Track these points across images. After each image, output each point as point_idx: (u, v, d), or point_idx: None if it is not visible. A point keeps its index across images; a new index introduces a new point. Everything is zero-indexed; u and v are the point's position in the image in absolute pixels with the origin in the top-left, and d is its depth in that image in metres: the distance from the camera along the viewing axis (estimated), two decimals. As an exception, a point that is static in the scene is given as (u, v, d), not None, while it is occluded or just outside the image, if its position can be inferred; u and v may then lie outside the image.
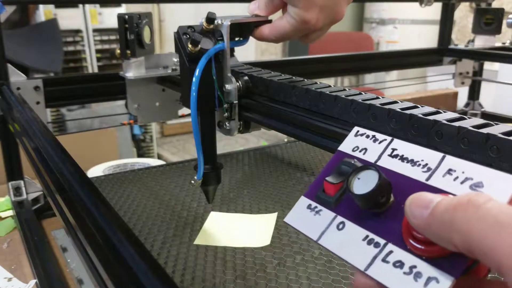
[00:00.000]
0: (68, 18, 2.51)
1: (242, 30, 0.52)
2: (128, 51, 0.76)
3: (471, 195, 0.19)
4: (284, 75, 0.53)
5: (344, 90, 0.45)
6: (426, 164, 0.24)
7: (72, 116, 2.33)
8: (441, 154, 0.24)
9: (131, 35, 0.75)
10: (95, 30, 2.61)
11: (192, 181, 0.55)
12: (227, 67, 0.52)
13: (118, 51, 0.78)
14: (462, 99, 1.53)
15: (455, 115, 0.35)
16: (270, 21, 0.52)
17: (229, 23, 0.50)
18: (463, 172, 0.22)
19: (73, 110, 2.37)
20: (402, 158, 0.25)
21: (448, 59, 1.30)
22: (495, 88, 2.32)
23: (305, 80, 0.50)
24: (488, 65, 1.50)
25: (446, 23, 1.30)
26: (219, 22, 0.50)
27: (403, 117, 0.37)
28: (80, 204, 0.38)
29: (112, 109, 2.00)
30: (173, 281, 0.27)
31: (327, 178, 0.27)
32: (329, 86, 0.48)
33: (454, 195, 0.22)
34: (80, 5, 2.53)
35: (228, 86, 0.52)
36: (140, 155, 2.74)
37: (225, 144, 3.12)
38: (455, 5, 1.29)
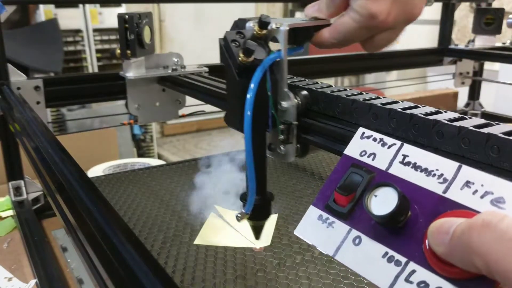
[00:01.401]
0: (68, 18, 2.52)
1: (297, 35, 0.44)
2: (128, 51, 0.76)
3: (484, 215, 0.19)
4: (351, 90, 0.45)
5: (345, 90, 0.45)
6: (442, 175, 0.23)
7: (72, 116, 2.33)
8: (457, 164, 0.23)
9: (131, 35, 0.75)
10: (95, 30, 2.61)
11: (239, 215, 0.47)
12: (284, 80, 0.44)
13: (118, 51, 0.78)
14: (462, 99, 1.53)
15: (456, 115, 0.35)
16: (331, 24, 0.44)
17: (288, 28, 0.42)
18: (482, 185, 0.21)
19: (73, 110, 2.37)
20: (415, 167, 0.24)
21: (448, 59, 1.30)
22: (495, 88, 2.32)
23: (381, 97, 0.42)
24: (488, 65, 1.50)
25: (446, 23, 1.30)
26: (274, 26, 0.43)
27: (404, 117, 0.37)
28: (80, 204, 0.38)
29: (112, 109, 2.00)
30: (173, 281, 0.27)
31: (337, 189, 0.26)
32: (330, 86, 0.48)
33: (474, 210, 0.21)
34: (80, 5, 2.53)
35: (284, 104, 0.44)
36: (140, 155, 2.74)
37: (225, 144, 3.12)
38: (455, 5, 1.29)
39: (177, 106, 0.90)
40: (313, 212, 0.27)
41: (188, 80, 0.77)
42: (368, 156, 0.27)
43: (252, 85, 0.41)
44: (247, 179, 0.45)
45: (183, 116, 0.92)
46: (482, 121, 0.34)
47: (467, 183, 0.22)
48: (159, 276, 0.27)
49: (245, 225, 0.69)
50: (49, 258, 0.69)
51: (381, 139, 0.27)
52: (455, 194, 0.22)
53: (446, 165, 0.24)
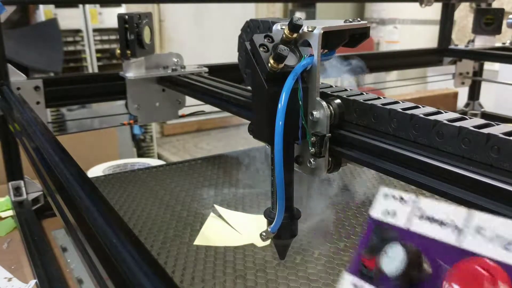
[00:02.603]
0: (68, 18, 2.51)
1: (331, 39, 0.40)
2: (128, 51, 0.76)
3: None
4: (386, 99, 0.41)
5: (346, 90, 0.45)
6: (454, 224, 0.23)
7: (72, 116, 2.33)
8: (466, 210, 0.23)
9: (131, 35, 0.75)
10: (95, 30, 2.61)
11: (264, 234, 0.44)
12: (316, 88, 0.40)
13: (118, 51, 0.78)
14: (462, 99, 1.53)
15: (456, 115, 0.35)
16: (367, 28, 0.42)
17: (322, 31, 0.38)
18: (493, 230, 0.21)
19: (73, 110, 2.37)
20: (431, 220, 0.24)
21: (448, 59, 1.30)
22: (495, 88, 2.32)
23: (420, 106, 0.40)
24: (488, 65, 1.50)
25: (446, 23, 1.30)
26: (306, 29, 0.39)
27: (404, 117, 0.37)
28: (80, 204, 0.38)
29: (112, 109, 2.00)
30: (173, 281, 0.27)
31: (363, 252, 0.25)
32: (330, 86, 0.47)
33: (489, 258, 0.21)
34: (80, 5, 2.53)
35: (316, 114, 0.41)
36: (140, 155, 2.74)
37: (225, 144, 3.12)
38: (455, 5, 1.29)
39: (177, 106, 0.90)
40: (348, 280, 0.27)
41: (188, 80, 0.77)
42: (390, 215, 0.27)
43: (284, 94, 0.38)
44: (272, 195, 0.43)
45: (183, 116, 0.92)
46: (482, 121, 0.34)
47: (479, 230, 0.22)
48: (159, 276, 0.27)
49: (245, 225, 0.69)
50: (49, 258, 0.69)
51: (400, 196, 0.27)
52: (469, 243, 0.22)
53: (457, 213, 0.23)
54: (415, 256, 0.23)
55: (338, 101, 0.42)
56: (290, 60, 0.38)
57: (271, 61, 0.38)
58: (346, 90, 0.45)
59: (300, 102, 0.40)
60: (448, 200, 0.33)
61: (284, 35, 0.39)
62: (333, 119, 0.41)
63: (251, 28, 0.45)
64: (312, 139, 0.41)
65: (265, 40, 0.39)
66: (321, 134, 0.41)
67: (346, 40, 0.41)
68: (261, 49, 0.39)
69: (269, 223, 0.43)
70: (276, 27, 0.40)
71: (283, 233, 0.44)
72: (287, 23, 0.39)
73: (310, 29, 0.38)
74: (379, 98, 0.42)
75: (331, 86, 0.46)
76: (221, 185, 0.83)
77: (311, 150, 0.41)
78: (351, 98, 0.42)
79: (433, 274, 0.23)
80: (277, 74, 0.38)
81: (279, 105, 0.38)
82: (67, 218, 0.40)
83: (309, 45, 0.39)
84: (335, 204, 0.74)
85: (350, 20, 0.41)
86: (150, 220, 0.71)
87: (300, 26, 0.38)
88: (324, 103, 0.41)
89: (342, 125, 0.42)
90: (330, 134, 0.41)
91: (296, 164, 0.45)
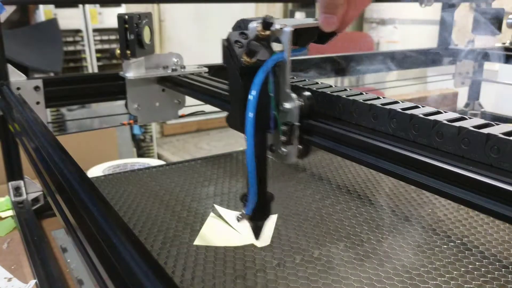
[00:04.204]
0: (68, 18, 2.51)
1: (302, 36, 0.44)
2: (128, 51, 0.76)
3: None
4: (351, 90, 0.45)
5: (345, 90, 0.45)
6: None
7: (72, 116, 2.33)
8: None
9: (131, 35, 0.75)
10: (95, 30, 2.61)
11: (239, 215, 0.48)
12: (286, 81, 0.44)
13: (118, 51, 0.78)
14: (462, 99, 1.53)
15: (456, 115, 0.35)
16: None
17: (292, 29, 0.41)
18: None
19: (73, 110, 2.37)
20: None
21: (448, 59, 1.30)
22: (495, 88, 2.32)
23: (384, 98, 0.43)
24: (488, 65, 1.50)
25: (446, 23, 1.30)
26: (278, 27, 0.42)
27: (404, 117, 0.37)
28: (80, 204, 0.38)
29: (112, 109, 2.00)
30: (173, 281, 0.27)
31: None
32: (330, 86, 0.48)
33: None
34: (80, 5, 2.53)
35: (287, 105, 0.44)
36: (140, 155, 2.74)
37: (225, 144, 3.12)
38: (455, 5, 1.29)
39: (177, 106, 0.90)
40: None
41: (187, 80, 0.77)
42: None
43: (254, 86, 0.41)
44: (247, 181, 0.45)
45: (182, 116, 0.92)
46: (482, 121, 0.34)
47: None
48: (159, 276, 0.27)
49: (245, 225, 0.69)
50: (49, 258, 0.69)
51: None
52: None
53: None
54: None
55: (307, 93, 0.45)
56: (263, 56, 0.42)
57: (244, 56, 0.41)
58: (316, 83, 0.48)
59: (271, 94, 0.43)
60: (448, 200, 0.33)
61: (257, 33, 0.42)
62: (302, 110, 0.44)
63: (241, 27, 0.47)
64: (283, 128, 0.44)
65: (240, 37, 0.43)
66: (291, 123, 0.44)
67: (316, 37, 0.44)
68: (236, 45, 0.42)
69: (244, 206, 0.47)
70: (252, 25, 0.43)
71: (257, 215, 0.49)
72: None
73: (281, 27, 0.42)
74: (345, 89, 0.46)
75: (304, 80, 0.50)
76: (221, 185, 0.84)
77: (282, 139, 0.45)
78: (320, 90, 0.45)
79: None
80: (250, 68, 0.41)
81: (250, 96, 0.41)
82: (67, 218, 0.40)
83: (280, 41, 0.42)
84: (335, 204, 0.74)
85: (317, 19, 0.44)
86: (150, 220, 0.71)
87: (272, 24, 0.41)
88: (294, 95, 0.44)
89: (311, 115, 0.46)
90: (299, 124, 0.44)
91: (269, 152, 0.48)
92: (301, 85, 0.48)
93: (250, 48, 0.41)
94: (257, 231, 0.52)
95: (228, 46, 0.43)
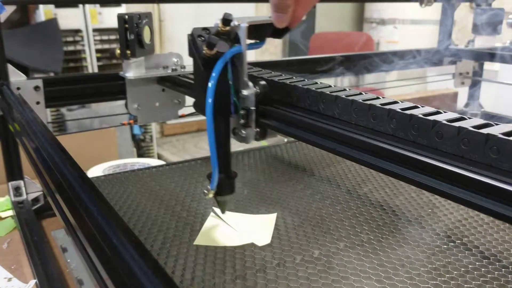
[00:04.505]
0: (68, 18, 2.51)
1: (259, 31, 0.50)
2: (128, 51, 0.76)
3: None
4: (308, 80, 0.51)
5: (344, 90, 0.45)
6: None
7: (72, 116, 2.33)
8: None
9: (131, 35, 0.75)
10: (95, 30, 2.61)
11: (205, 191, 0.54)
12: (244, 71, 0.49)
13: (118, 51, 0.78)
14: (462, 99, 1.53)
15: (456, 115, 0.35)
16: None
17: (247, 25, 0.47)
18: None
19: (73, 110, 2.37)
20: None
21: (448, 59, 1.30)
22: (495, 88, 2.32)
23: (332, 86, 0.48)
24: (488, 65, 1.50)
25: (446, 23, 1.30)
26: (236, 23, 0.47)
27: (403, 117, 0.37)
28: (80, 204, 0.38)
29: (112, 109, 2.00)
30: (173, 281, 0.27)
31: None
32: (329, 86, 0.48)
33: None
34: (80, 5, 2.53)
35: (245, 92, 0.49)
36: (140, 155, 2.74)
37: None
38: (455, 5, 1.29)
39: (177, 106, 0.90)
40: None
41: (188, 80, 0.77)
42: None
43: (213, 74, 0.46)
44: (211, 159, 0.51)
45: (182, 116, 0.92)
46: (482, 121, 0.34)
47: None
48: (159, 276, 0.27)
49: (245, 225, 0.69)
50: (49, 258, 0.70)
51: None
52: None
53: None
54: None
55: (263, 82, 0.51)
56: (223, 48, 0.47)
57: (205, 48, 0.47)
58: (271, 72, 0.54)
59: (230, 82, 0.49)
60: (448, 200, 0.34)
61: (219, 28, 0.47)
62: (258, 96, 0.50)
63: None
64: (241, 112, 0.50)
65: (203, 32, 0.49)
66: (248, 108, 0.50)
67: (271, 32, 0.50)
68: (199, 39, 0.48)
69: (209, 182, 0.53)
70: (216, 22, 0.48)
71: (222, 190, 0.55)
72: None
73: (238, 23, 0.47)
74: (303, 79, 0.51)
75: (260, 70, 0.56)
76: (221, 185, 0.84)
77: (241, 122, 0.51)
78: (275, 79, 0.51)
79: None
80: (211, 60, 0.47)
81: (209, 83, 0.46)
82: (67, 218, 0.40)
83: (238, 36, 0.48)
84: (335, 204, 0.74)
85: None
86: (150, 220, 0.71)
87: (230, 20, 0.47)
88: (250, 83, 0.50)
89: (268, 102, 0.51)
90: (254, 108, 0.50)
91: (233, 135, 0.54)
92: (256, 75, 0.53)
93: (209, 41, 0.46)
94: (222, 206, 0.58)
95: (191, 40, 0.49)
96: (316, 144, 0.46)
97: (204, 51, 0.47)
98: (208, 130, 0.48)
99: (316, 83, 0.49)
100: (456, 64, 1.32)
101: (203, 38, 0.48)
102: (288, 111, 0.49)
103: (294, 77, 0.52)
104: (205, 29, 0.49)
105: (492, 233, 0.65)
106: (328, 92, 0.45)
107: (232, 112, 0.51)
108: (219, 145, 0.51)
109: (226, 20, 0.47)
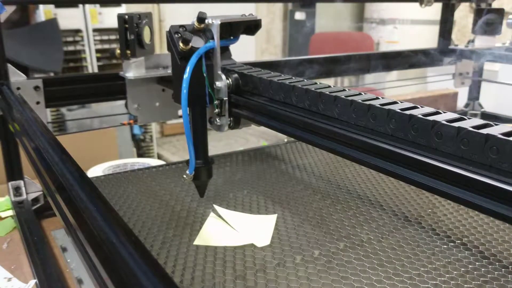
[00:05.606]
0: (68, 18, 2.51)
1: (233, 29, 0.54)
2: (128, 51, 0.76)
3: None
4: (273, 73, 0.54)
5: (344, 90, 0.45)
6: None
7: (72, 116, 2.32)
8: None
9: (131, 35, 0.75)
10: (95, 30, 2.61)
11: (184, 176, 0.58)
12: (218, 65, 0.53)
13: (118, 51, 0.78)
14: (462, 99, 1.53)
15: (455, 115, 0.35)
16: (259, 20, 0.55)
17: (219, 23, 0.52)
18: None
19: (73, 110, 2.37)
20: None
21: (448, 59, 1.30)
22: (495, 88, 2.32)
23: (304, 80, 0.51)
24: (488, 65, 1.50)
25: (446, 23, 1.30)
26: (210, 21, 0.52)
27: (402, 117, 0.37)
28: (80, 204, 0.38)
29: (112, 109, 2.00)
30: (173, 281, 0.27)
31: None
32: (329, 86, 0.48)
33: None
34: (80, 5, 2.53)
35: (218, 83, 0.54)
36: (140, 155, 2.73)
37: (225, 144, 3.12)
38: (455, 5, 1.29)
39: (177, 106, 0.90)
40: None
41: (188, 80, 0.77)
42: None
43: (188, 68, 0.50)
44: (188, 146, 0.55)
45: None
46: (481, 121, 0.34)
47: None
48: (159, 276, 0.27)
49: (245, 225, 0.69)
50: (48, 258, 0.69)
51: None
52: None
53: None
54: None
55: (235, 75, 0.55)
56: (198, 44, 0.52)
57: (180, 43, 0.51)
58: (250, 68, 0.57)
59: (204, 74, 0.53)
60: (448, 200, 0.34)
61: (195, 26, 0.52)
62: (230, 88, 0.55)
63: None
64: (215, 102, 0.55)
65: (180, 29, 0.53)
66: (221, 98, 0.54)
67: (242, 29, 0.54)
68: (176, 35, 0.52)
69: (188, 167, 0.57)
70: (193, 20, 0.53)
71: (200, 174, 0.59)
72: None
73: (211, 21, 0.52)
74: (269, 72, 0.54)
75: (234, 64, 0.59)
76: (221, 185, 0.84)
77: (216, 111, 0.55)
78: (249, 74, 0.54)
79: None
80: (187, 54, 0.51)
81: (184, 76, 0.50)
82: (67, 218, 0.40)
83: (212, 33, 0.52)
84: (335, 204, 0.74)
85: (246, 14, 0.55)
86: (150, 220, 0.71)
87: (204, 19, 0.52)
88: (223, 76, 0.54)
89: (239, 93, 0.55)
90: (227, 98, 0.54)
91: (209, 124, 0.58)
92: (229, 68, 0.57)
93: (184, 37, 0.50)
94: (200, 190, 0.62)
95: (169, 36, 0.53)
96: (315, 144, 0.47)
97: (180, 46, 0.51)
98: (184, 118, 0.52)
99: (316, 83, 0.49)
100: (456, 64, 1.32)
101: (179, 35, 0.52)
102: (256, 100, 0.53)
103: (262, 70, 0.56)
104: (182, 26, 0.53)
105: (492, 233, 0.65)
106: (327, 93, 0.45)
107: (207, 102, 0.55)
108: (196, 132, 0.56)
109: (201, 19, 0.52)
